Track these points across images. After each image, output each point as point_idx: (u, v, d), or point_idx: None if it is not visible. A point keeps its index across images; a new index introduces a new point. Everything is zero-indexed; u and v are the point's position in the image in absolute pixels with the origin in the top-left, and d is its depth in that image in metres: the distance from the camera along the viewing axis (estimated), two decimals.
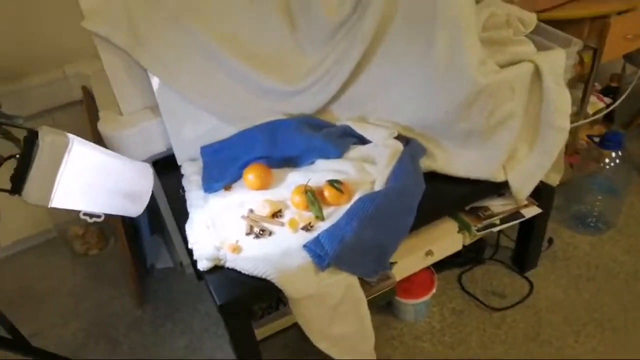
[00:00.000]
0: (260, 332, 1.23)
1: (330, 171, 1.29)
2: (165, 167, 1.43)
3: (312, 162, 1.34)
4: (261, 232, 1.15)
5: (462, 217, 1.36)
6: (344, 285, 1.10)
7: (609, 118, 1.99)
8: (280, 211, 1.20)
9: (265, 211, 1.19)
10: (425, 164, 1.29)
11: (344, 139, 1.35)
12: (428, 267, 1.44)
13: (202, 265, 1.08)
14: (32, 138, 0.87)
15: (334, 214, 1.18)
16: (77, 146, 0.91)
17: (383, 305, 1.52)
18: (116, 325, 1.61)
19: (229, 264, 1.08)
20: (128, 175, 1.00)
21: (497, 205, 1.37)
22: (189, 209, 1.25)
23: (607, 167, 1.60)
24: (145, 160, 1.45)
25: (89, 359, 1.51)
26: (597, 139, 1.60)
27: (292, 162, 1.35)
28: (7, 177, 0.86)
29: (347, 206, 1.17)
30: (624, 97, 1.60)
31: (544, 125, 1.20)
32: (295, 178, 1.29)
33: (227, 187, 1.30)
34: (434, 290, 1.44)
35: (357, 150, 1.32)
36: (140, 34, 1.24)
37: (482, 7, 1.31)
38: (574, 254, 1.64)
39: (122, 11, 1.23)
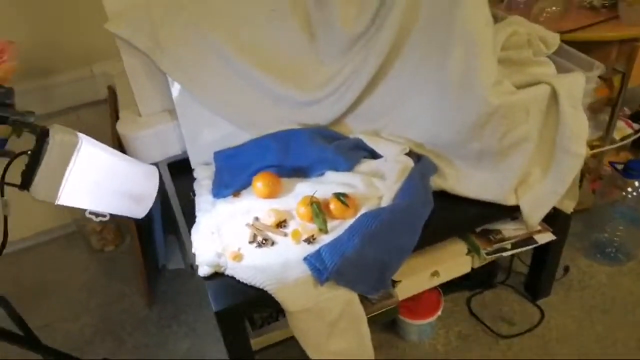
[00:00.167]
0: (259, 341, 1.22)
1: (339, 184, 1.28)
2: (180, 169, 1.45)
3: (322, 174, 1.34)
4: (264, 241, 1.15)
5: (472, 239, 1.33)
6: (343, 301, 1.09)
7: (637, 145, 1.92)
8: (285, 221, 1.20)
9: (270, 220, 1.19)
10: (436, 182, 1.27)
11: (355, 152, 1.34)
12: (435, 288, 1.41)
13: (203, 271, 1.09)
14: (43, 136, 0.90)
15: (339, 227, 1.17)
16: (86, 146, 0.93)
17: (388, 323, 1.49)
18: (123, 323, 1.63)
19: (228, 272, 1.09)
20: (134, 177, 1.02)
21: (510, 229, 1.34)
22: (197, 213, 1.26)
23: (630, 196, 1.54)
24: (160, 162, 1.48)
25: (93, 356, 1.54)
26: (619, 167, 1.55)
27: (302, 172, 1.35)
28: (19, 173, 0.89)
29: (352, 220, 1.16)
30: None
31: (559, 150, 1.16)
32: (304, 189, 1.29)
33: (236, 194, 1.31)
34: (439, 312, 1.41)
35: (367, 165, 1.31)
36: (161, 39, 1.27)
37: (505, 25, 1.30)
38: (590, 283, 1.58)
39: (145, 15, 1.25)
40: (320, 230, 1.16)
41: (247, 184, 1.31)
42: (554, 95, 1.13)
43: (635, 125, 1.78)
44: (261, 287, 1.04)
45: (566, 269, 1.61)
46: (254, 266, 1.09)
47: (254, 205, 1.26)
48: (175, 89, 1.32)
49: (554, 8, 1.47)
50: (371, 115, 1.39)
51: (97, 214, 0.99)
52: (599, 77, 1.34)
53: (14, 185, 0.90)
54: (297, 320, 1.06)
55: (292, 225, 1.19)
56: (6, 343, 1.09)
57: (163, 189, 1.60)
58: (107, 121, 1.66)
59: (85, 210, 0.99)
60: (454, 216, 1.25)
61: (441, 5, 1.17)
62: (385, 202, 1.20)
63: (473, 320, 1.51)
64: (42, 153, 0.88)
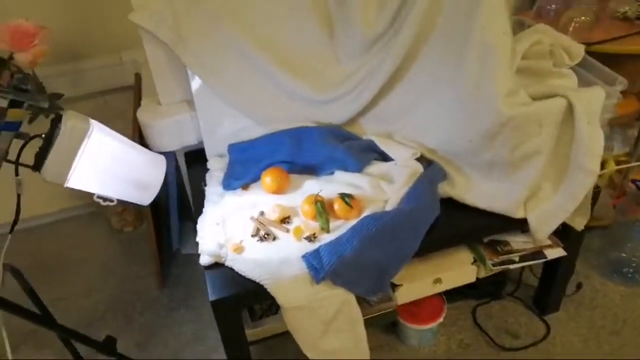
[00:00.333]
0: (256, 332, 1.24)
1: (346, 184, 1.28)
2: (196, 159, 1.48)
3: (332, 173, 1.34)
4: (266, 236, 1.16)
5: (479, 249, 1.31)
6: (340, 301, 1.09)
7: None
8: (289, 217, 1.21)
9: (275, 215, 1.21)
10: (444, 189, 1.25)
11: (366, 154, 1.34)
12: (439, 295, 1.40)
13: (204, 260, 1.12)
14: (56, 121, 0.94)
15: (341, 227, 1.18)
16: (97, 133, 0.97)
17: (389, 326, 1.49)
18: (134, 303, 1.69)
19: (228, 263, 1.11)
20: (142, 165, 1.05)
21: (519, 242, 1.31)
22: (205, 203, 1.29)
23: None
24: (177, 151, 1.52)
25: (104, 331, 1.59)
26: None
27: (312, 170, 1.36)
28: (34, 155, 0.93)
29: (355, 221, 1.16)
30: None
31: (572, 166, 1.13)
32: (312, 186, 1.30)
33: (245, 187, 1.33)
34: (441, 319, 1.40)
35: (376, 167, 1.31)
36: (183, 32, 1.29)
37: (529, 33, 1.27)
38: (601, 303, 1.53)
39: (168, 8, 1.28)
40: (322, 229, 1.17)
41: (257, 178, 1.33)
42: (570, 109, 1.10)
43: None
44: (258, 280, 1.06)
45: (579, 286, 1.57)
46: (254, 259, 1.11)
47: (260, 199, 1.28)
48: (195, 81, 1.35)
49: (583, 18, 1.43)
50: (386, 117, 1.39)
51: (104, 198, 1.03)
52: (628, 92, 1.30)
53: (27, 166, 0.95)
54: (291, 316, 1.08)
55: (295, 222, 1.20)
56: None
57: (180, 176, 1.64)
58: (132, 107, 1.70)
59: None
60: (460, 224, 1.23)
61: (460, 11, 1.15)
62: (390, 206, 1.20)
63: (476, 330, 1.49)
64: (55, 137, 0.92)
